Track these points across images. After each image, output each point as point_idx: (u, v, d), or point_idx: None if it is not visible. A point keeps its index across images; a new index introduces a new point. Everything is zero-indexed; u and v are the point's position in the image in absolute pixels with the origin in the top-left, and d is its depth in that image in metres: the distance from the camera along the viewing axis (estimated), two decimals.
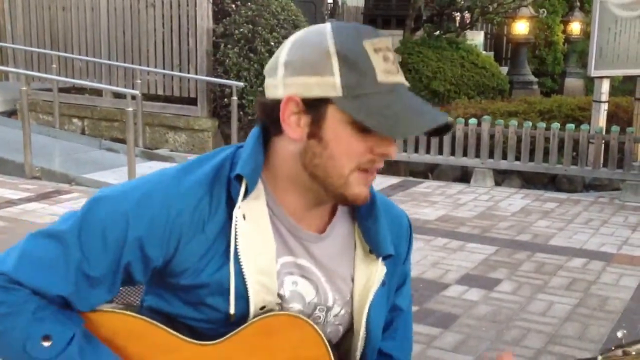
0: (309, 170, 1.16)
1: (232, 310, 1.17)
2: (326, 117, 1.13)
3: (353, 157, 1.14)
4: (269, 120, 1.18)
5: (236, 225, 1.15)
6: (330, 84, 1.11)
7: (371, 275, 1.27)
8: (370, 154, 1.14)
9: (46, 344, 1.12)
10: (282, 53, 1.16)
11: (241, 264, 1.16)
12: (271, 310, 1.20)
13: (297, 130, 1.15)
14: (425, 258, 4.99)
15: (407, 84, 1.16)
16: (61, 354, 1.13)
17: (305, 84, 1.12)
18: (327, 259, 1.25)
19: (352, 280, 1.28)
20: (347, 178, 1.15)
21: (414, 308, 4.01)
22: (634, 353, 1.21)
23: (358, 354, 1.30)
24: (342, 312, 1.28)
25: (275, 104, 1.15)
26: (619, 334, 1.23)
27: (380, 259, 1.27)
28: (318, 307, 1.26)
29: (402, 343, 1.40)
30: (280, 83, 1.15)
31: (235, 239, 1.15)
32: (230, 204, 1.17)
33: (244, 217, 1.16)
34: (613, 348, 1.23)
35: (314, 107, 1.13)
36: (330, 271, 1.26)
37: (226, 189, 1.18)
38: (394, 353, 1.37)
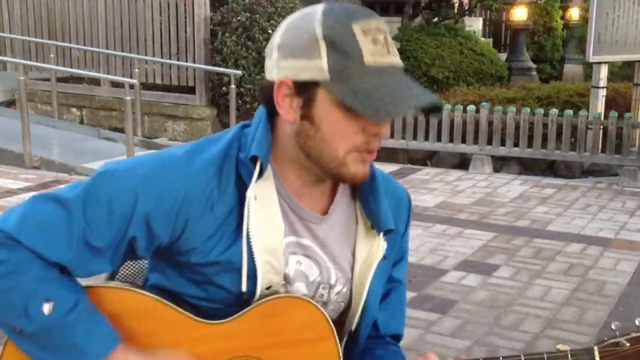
0: (304, 151, 1.18)
1: (244, 288, 1.18)
2: (316, 99, 1.15)
3: (346, 139, 1.15)
4: (268, 101, 1.20)
5: (248, 206, 1.17)
6: (318, 68, 1.13)
7: (372, 250, 1.29)
8: (363, 134, 1.16)
9: (47, 307, 1.13)
10: (277, 35, 1.19)
11: (251, 243, 1.18)
12: (276, 291, 1.22)
13: (290, 112, 1.17)
14: (423, 244, 5.01)
15: (399, 63, 1.17)
16: (62, 318, 1.14)
17: (295, 67, 1.15)
18: (330, 238, 1.28)
19: (354, 256, 1.30)
20: (344, 159, 1.16)
21: (413, 294, 4.04)
22: (628, 344, 1.22)
23: (353, 327, 1.32)
24: (345, 289, 1.30)
25: (271, 86, 1.18)
26: (613, 326, 1.25)
27: (382, 234, 1.29)
28: (321, 286, 1.28)
29: (393, 313, 1.42)
30: (274, 65, 1.18)
31: (247, 219, 1.17)
32: (240, 184, 1.19)
33: (255, 198, 1.18)
34: (607, 340, 1.24)
35: (305, 89, 1.15)
36: (333, 250, 1.28)
37: (235, 169, 1.19)
38: (381, 323, 1.39)
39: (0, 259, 1.13)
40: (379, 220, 1.28)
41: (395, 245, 1.36)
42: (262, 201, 1.19)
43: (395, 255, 1.38)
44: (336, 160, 1.17)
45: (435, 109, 1.18)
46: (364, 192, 1.28)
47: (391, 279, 1.40)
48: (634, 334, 1.23)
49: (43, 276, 1.13)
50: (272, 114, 1.22)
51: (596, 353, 1.24)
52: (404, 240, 1.40)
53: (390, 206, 1.31)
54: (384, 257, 1.31)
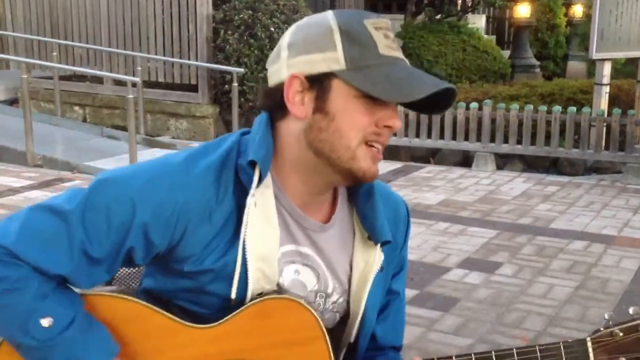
0: (314, 147, 1.17)
1: (233, 295, 1.18)
2: (331, 90, 1.15)
3: (360, 129, 1.15)
4: (274, 104, 1.19)
5: (248, 213, 1.16)
6: (333, 59, 1.14)
7: (369, 261, 1.28)
8: (375, 126, 1.16)
9: (47, 323, 1.13)
10: (285, 37, 1.19)
11: (246, 250, 1.17)
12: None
13: (301, 109, 1.17)
14: (426, 242, 5.00)
15: (407, 61, 1.19)
16: (60, 335, 1.14)
17: (308, 61, 1.15)
18: (330, 248, 1.27)
19: (351, 267, 1.29)
20: (355, 151, 1.16)
21: (415, 292, 4.03)
22: (621, 334, 1.22)
23: (352, 338, 1.31)
24: (341, 300, 1.29)
25: (280, 86, 1.17)
26: (607, 316, 1.25)
27: (379, 245, 1.28)
28: (318, 294, 1.27)
29: (392, 325, 1.41)
30: (283, 65, 1.18)
31: (246, 226, 1.17)
32: (239, 191, 1.17)
33: (255, 205, 1.17)
34: (601, 330, 1.24)
35: (319, 82, 1.15)
36: (332, 260, 1.27)
37: (234, 176, 1.18)
38: (379, 336, 1.38)
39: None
40: (376, 232, 1.27)
41: (394, 257, 1.35)
42: (262, 208, 1.18)
43: (395, 267, 1.37)
44: (349, 152, 1.16)
45: (450, 99, 1.18)
46: (361, 202, 1.27)
47: (390, 291, 1.38)
48: (627, 324, 1.23)
49: (42, 293, 1.13)
50: (274, 120, 1.21)
51: (589, 344, 1.23)
52: (403, 251, 1.39)
53: (388, 217, 1.30)
54: (382, 269, 1.30)
